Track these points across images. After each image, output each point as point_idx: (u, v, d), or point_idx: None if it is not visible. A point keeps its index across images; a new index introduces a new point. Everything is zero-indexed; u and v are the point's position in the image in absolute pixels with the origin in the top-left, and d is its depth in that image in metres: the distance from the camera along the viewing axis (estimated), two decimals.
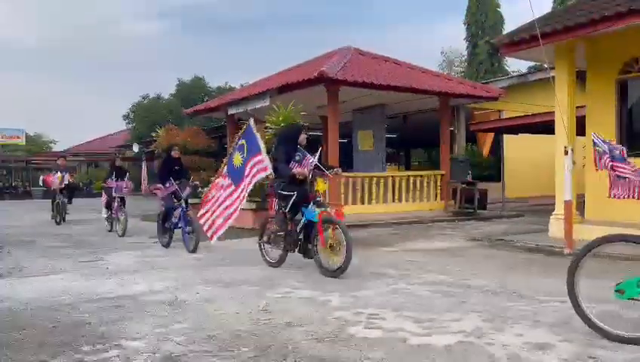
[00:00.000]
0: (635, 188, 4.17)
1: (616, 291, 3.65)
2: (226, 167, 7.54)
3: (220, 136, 20.28)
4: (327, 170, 6.74)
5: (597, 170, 4.73)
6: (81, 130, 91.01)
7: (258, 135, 7.10)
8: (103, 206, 12.38)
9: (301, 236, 6.49)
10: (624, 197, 4.31)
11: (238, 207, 7.22)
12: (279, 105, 11.29)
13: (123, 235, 10.46)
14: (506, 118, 15.99)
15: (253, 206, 11.82)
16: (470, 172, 14.09)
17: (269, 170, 6.71)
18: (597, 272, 4.52)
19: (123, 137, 37.04)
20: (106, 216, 12.07)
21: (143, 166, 29.38)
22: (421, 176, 14.33)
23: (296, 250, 6.56)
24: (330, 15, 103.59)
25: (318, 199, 6.40)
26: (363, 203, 12.99)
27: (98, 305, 4.89)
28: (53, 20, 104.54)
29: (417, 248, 8.48)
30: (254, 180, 6.91)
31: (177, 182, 8.86)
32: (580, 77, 9.88)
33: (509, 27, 28.03)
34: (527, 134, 14.81)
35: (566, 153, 7.83)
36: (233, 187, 7.22)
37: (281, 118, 10.90)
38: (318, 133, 17.65)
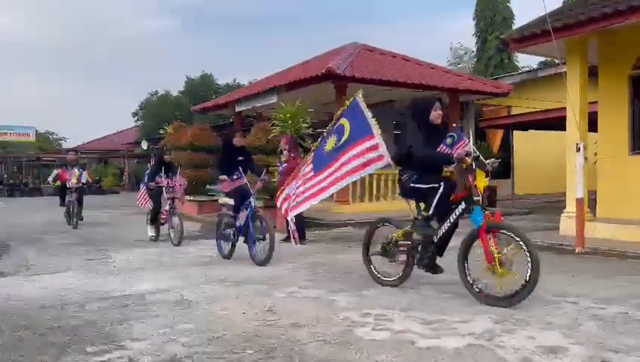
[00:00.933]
0: None
1: None
2: (312, 154, 5.94)
3: (228, 133, 20.26)
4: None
5: None
6: (91, 128, 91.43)
7: (369, 113, 5.30)
8: (148, 220, 9.80)
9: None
10: None
11: (315, 195, 5.69)
12: (287, 102, 11.23)
13: (179, 244, 8.80)
14: (515, 115, 15.84)
15: (261, 203, 11.80)
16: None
17: (386, 160, 5.09)
18: None
19: (132, 134, 37.16)
20: (154, 234, 9.63)
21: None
22: None
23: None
24: (341, 10, 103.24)
25: (477, 198, 4.70)
26: (371, 200, 12.90)
27: (104, 304, 4.87)
28: (65, 20, 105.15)
29: None
30: (362, 173, 5.30)
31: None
32: (592, 72, 9.72)
33: (518, 22, 27.79)
34: (537, 130, 14.66)
35: (578, 150, 7.70)
36: (312, 173, 5.72)
37: (288, 116, 10.83)
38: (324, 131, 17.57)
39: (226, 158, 7.49)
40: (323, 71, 11.34)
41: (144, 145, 30.89)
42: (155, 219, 9.58)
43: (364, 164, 5.18)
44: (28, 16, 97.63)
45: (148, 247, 8.81)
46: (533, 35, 8.44)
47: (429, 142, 4.95)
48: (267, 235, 6.81)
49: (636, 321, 4.01)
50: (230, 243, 7.39)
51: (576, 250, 7.33)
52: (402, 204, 5.48)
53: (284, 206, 6.15)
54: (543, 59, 21.62)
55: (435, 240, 4.93)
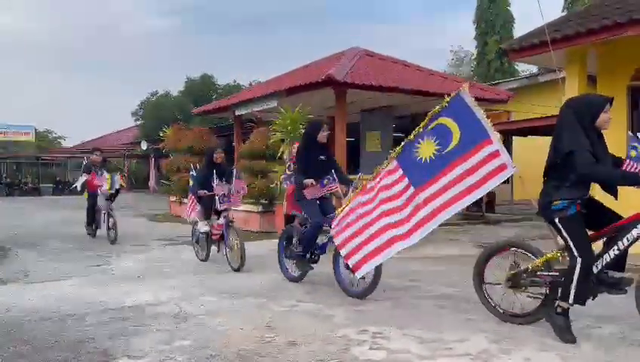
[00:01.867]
0: None
1: None
2: (395, 161, 4.81)
3: (228, 134, 20.28)
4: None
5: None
6: (90, 127, 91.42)
7: (480, 111, 4.34)
8: (196, 235, 8.12)
9: None
10: None
11: (418, 224, 4.53)
12: (286, 107, 11.25)
13: (239, 269, 7.06)
14: (515, 121, 15.88)
15: (260, 208, 11.84)
16: None
17: (511, 169, 4.25)
18: None
19: (132, 134, 37.14)
20: (204, 255, 8.01)
21: (152, 163, 29.40)
22: None
23: None
24: (342, 11, 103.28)
25: None
26: None
27: (104, 317, 4.88)
28: (65, 19, 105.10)
29: (424, 255, 8.38)
30: (483, 189, 4.31)
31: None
32: (592, 80, 9.75)
33: (519, 26, 27.84)
34: (536, 136, 14.69)
35: None
36: (412, 189, 4.61)
37: (288, 122, 10.86)
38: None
39: (310, 156, 6.14)
40: (323, 77, 11.36)
41: (144, 145, 30.90)
42: (205, 237, 7.93)
43: (485, 178, 4.27)
44: (27, 15, 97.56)
45: (148, 253, 8.82)
46: (533, 46, 8.46)
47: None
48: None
49: (631, 342, 4.03)
50: (302, 269, 6.23)
51: None
52: None
53: (352, 260, 4.94)
54: None
55: (596, 270, 4.05)
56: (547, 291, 4.29)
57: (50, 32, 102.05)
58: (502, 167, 4.22)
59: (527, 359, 3.68)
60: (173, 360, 3.76)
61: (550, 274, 4.26)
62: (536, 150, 15.77)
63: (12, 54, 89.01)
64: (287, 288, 6.08)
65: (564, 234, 4.04)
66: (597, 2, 9.14)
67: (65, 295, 5.80)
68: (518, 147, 15.03)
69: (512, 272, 4.47)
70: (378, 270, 5.22)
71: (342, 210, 5.19)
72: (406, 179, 4.66)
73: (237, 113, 16.02)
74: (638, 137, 5.34)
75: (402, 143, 4.80)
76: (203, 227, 7.82)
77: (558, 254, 4.25)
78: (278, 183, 10.77)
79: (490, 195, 14.27)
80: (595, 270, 4.01)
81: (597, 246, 4.12)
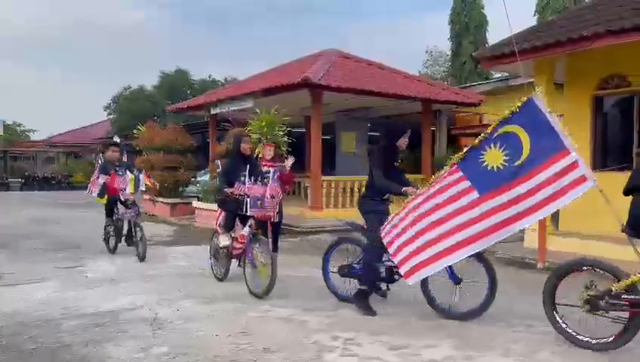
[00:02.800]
0: None
1: None
2: (456, 166, 4.58)
3: (203, 132, 20.21)
4: None
5: None
6: (62, 120, 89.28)
7: (556, 119, 4.24)
8: (214, 249, 6.85)
9: None
10: None
11: (482, 233, 4.35)
12: (262, 108, 11.32)
13: (264, 295, 5.76)
14: (486, 123, 16.22)
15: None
16: None
17: (591, 182, 4.02)
18: None
19: (105, 128, 36.57)
20: (221, 272, 6.74)
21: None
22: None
23: None
24: (320, 7, 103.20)
25: None
26: (344, 206, 13.07)
27: (81, 322, 4.94)
28: (39, 11, 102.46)
29: None
30: (560, 202, 4.10)
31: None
32: (562, 87, 10.09)
33: (492, 28, 28.35)
34: None
35: None
36: (476, 194, 4.41)
37: (264, 123, 10.94)
38: (302, 130, 17.81)
39: (392, 156, 5.63)
40: (299, 79, 11.48)
41: (116, 139, 30.44)
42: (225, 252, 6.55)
43: (563, 191, 4.05)
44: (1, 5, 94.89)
45: (124, 255, 8.77)
46: (503, 55, 8.73)
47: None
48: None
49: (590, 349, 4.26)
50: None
51: (538, 266, 7.66)
52: None
53: (405, 267, 4.72)
54: None
55: None
56: (631, 315, 4.00)
57: (19, 22, 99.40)
58: (581, 179, 4.03)
59: None
60: None
61: (634, 298, 3.96)
62: None
63: None
64: None
65: None
66: (565, 14, 9.47)
67: (42, 299, 5.82)
68: None
69: (591, 294, 4.14)
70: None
71: (397, 215, 4.92)
72: (468, 183, 4.46)
73: (212, 112, 16.01)
74: None
75: (465, 149, 4.63)
76: (224, 241, 6.41)
77: None
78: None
79: None
80: None
81: None
